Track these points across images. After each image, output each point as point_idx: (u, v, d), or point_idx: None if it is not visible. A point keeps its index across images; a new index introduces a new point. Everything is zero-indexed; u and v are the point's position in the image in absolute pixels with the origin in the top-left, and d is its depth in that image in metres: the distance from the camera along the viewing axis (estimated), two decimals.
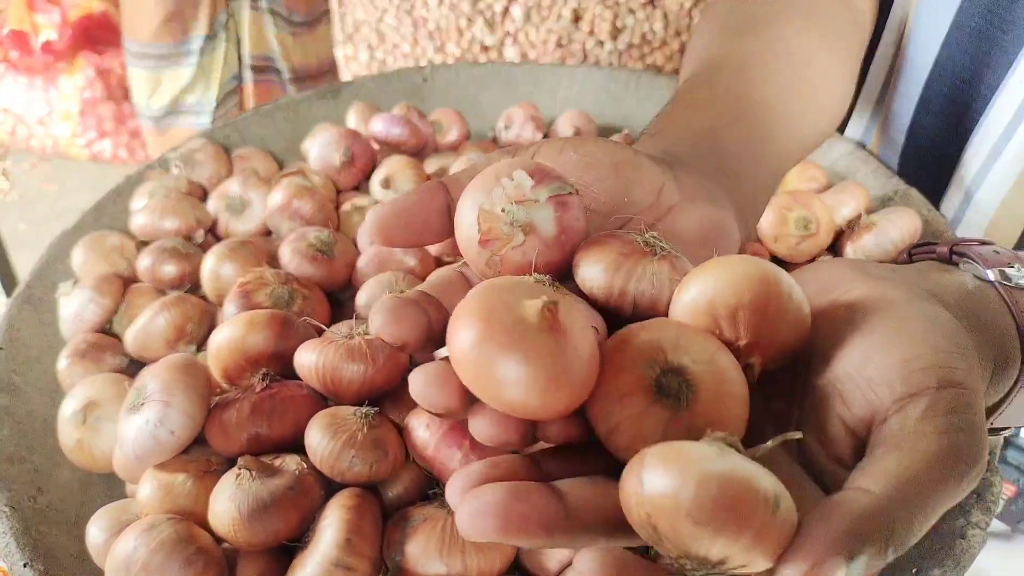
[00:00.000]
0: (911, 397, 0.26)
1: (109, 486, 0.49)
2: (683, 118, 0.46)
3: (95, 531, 0.44)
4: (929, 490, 0.24)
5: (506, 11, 3.69)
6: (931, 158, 0.65)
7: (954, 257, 0.38)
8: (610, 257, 0.31)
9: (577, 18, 3.82)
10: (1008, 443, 0.68)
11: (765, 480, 0.22)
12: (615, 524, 0.25)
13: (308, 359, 0.44)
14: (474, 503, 0.24)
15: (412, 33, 3.27)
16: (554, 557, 0.40)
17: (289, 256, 0.56)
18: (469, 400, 0.27)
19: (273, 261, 0.58)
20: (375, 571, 0.39)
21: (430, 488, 0.42)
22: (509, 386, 0.25)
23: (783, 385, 0.31)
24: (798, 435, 0.25)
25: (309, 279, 0.55)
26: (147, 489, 0.42)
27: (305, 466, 0.41)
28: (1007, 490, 0.66)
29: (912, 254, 0.44)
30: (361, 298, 0.53)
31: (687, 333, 0.27)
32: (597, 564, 0.25)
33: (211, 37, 1.15)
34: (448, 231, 0.34)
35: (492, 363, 0.25)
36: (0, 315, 0.57)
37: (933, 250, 0.40)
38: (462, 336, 0.25)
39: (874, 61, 0.68)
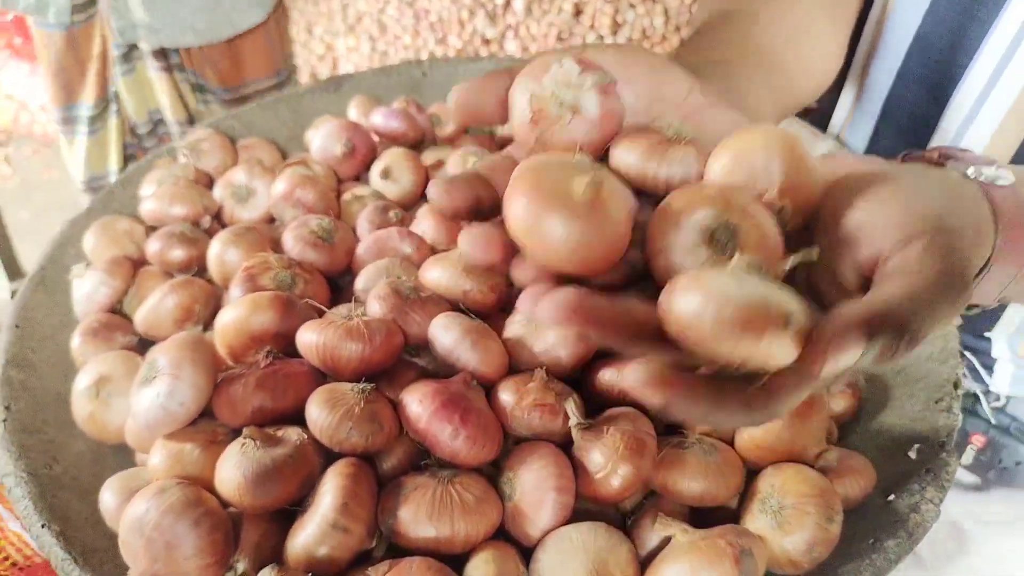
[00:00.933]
0: (910, 239, 0.32)
1: (120, 457, 0.52)
2: (703, 50, 0.55)
3: (108, 496, 0.47)
4: (934, 298, 0.30)
5: (507, 4, 3.70)
6: (908, 127, 0.69)
7: (940, 159, 0.43)
8: (643, 145, 0.36)
9: (578, 12, 3.83)
10: (977, 398, 0.71)
11: (777, 297, 0.28)
12: (657, 335, 0.30)
13: (309, 338, 0.47)
14: (554, 296, 0.30)
15: (413, 25, 3.29)
16: (537, 525, 0.43)
17: (292, 242, 0.59)
18: (509, 255, 0.34)
19: (276, 247, 0.61)
20: (369, 534, 0.42)
21: (421, 460, 0.45)
22: (555, 244, 0.32)
23: (801, 242, 0.36)
24: (814, 254, 0.32)
25: (311, 264, 0.58)
26: (157, 457, 0.45)
27: (306, 437, 0.44)
28: (977, 441, 0.70)
29: (904, 158, 0.48)
30: (359, 283, 0.56)
31: (728, 188, 0.34)
32: (642, 373, 0.29)
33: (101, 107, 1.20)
34: (505, 115, 0.40)
35: (542, 224, 0.31)
36: (16, 296, 0.60)
37: (923, 155, 0.45)
38: (518, 202, 0.32)
39: (861, 37, 0.71)
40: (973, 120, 0.63)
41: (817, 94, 0.65)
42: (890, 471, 0.48)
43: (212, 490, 0.43)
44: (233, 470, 0.42)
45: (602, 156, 0.38)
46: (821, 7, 0.64)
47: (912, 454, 0.48)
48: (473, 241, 0.35)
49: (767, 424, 0.45)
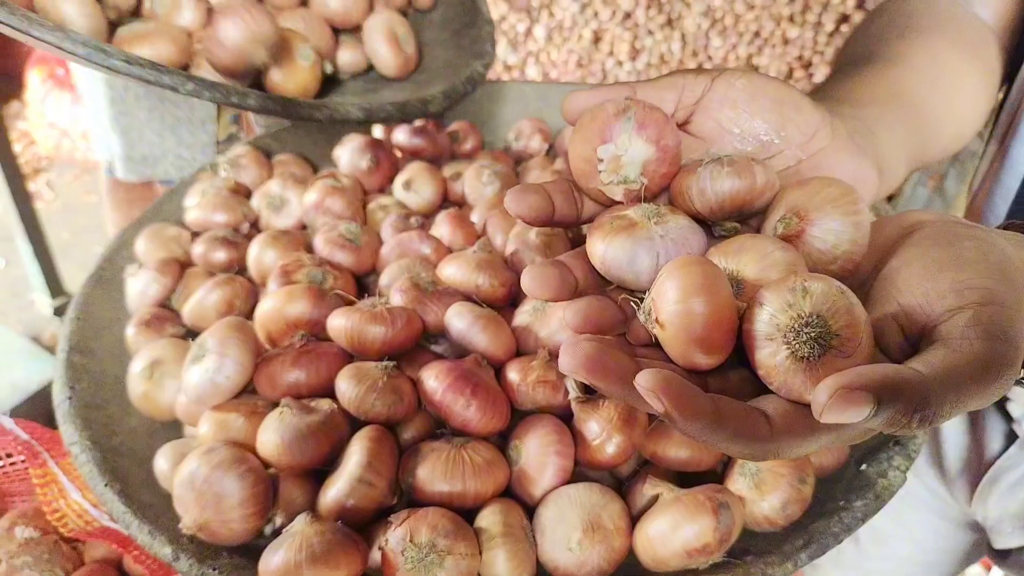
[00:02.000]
0: (959, 309, 0.31)
1: (169, 432, 0.58)
2: (843, 86, 0.53)
3: (161, 461, 0.53)
4: (965, 381, 0.28)
5: (529, 32, 3.84)
6: None
7: None
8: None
9: (597, 39, 3.94)
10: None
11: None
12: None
13: (339, 322, 0.53)
14: (574, 348, 0.32)
15: None
16: (539, 485, 0.49)
17: (322, 244, 0.65)
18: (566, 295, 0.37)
19: (308, 250, 0.67)
20: (391, 491, 0.47)
21: (438, 430, 0.51)
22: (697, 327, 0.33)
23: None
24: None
25: (339, 265, 0.64)
26: (205, 426, 0.51)
27: (336, 407, 0.50)
28: None
29: (1007, 226, 0.46)
30: (383, 279, 0.62)
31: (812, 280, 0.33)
32: (651, 378, 0.29)
33: None
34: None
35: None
36: (77, 293, 0.67)
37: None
38: (674, 294, 0.33)
39: (1007, 103, 0.67)
40: None
41: (958, 147, 0.60)
42: (866, 445, 0.53)
43: (254, 455, 0.49)
44: (272, 434, 0.48)
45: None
46: (972, 58, 0.60)
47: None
48: (533, 280, 0.37)
49: None
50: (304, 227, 0.74)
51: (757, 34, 2.87)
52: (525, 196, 0.40)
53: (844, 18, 2.53)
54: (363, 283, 0.67)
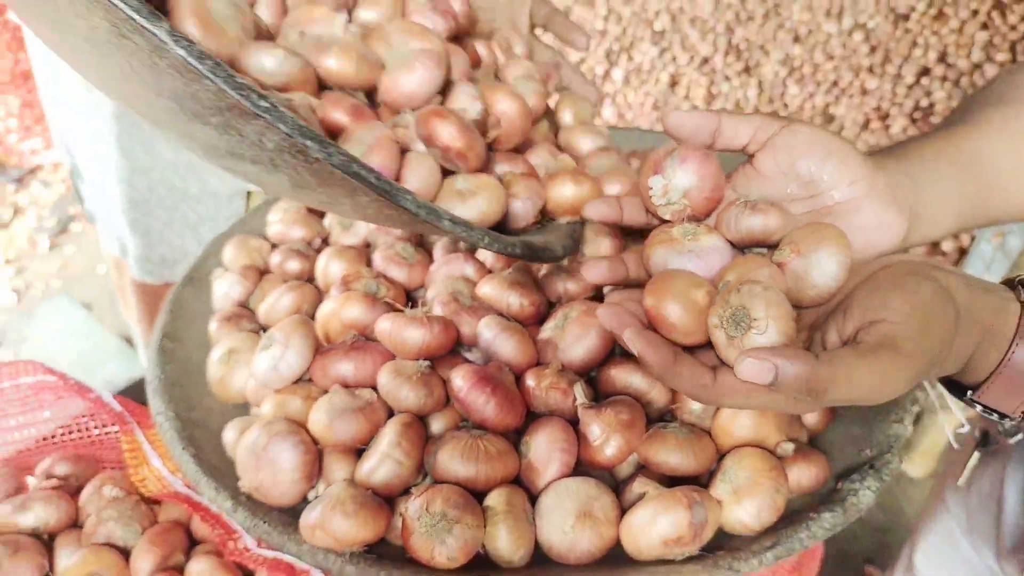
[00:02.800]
0: (874, 323, 0.42)
1: (238, 413, 0.68)
2: (919, 142, 0.57)
3: (229, 433, 0.63)
4: (856, 375, 0.39)
5: (607, 73, 3.95)
6: None
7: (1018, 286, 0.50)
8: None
9: (674, 83, 4.01)
10: None
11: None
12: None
13: (383, 326, 0.62)
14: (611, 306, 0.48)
15: None
16: (544, 477, 0.56)
17: (379, 260, 0.75)
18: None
19: (368, 265, 0.77)
20: (417, 470, 0.56)
21: (461, 423, 0.59)
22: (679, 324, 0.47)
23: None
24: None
25: (393, 279, 0.73)
26: (267, 406, 0.61)
27: (376, 396, 0.59)
28: None
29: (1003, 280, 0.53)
30: (429, 293, 0.71)
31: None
32: (635, 334, 0.45)
33: None
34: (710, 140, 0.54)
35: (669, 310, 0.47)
36: (170, 291, 0.78)
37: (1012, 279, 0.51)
38: (657, 300, 0.47)
39: None
40: None
41: (1017, 215, 0.61)
42: (849, 466, 0.58)
43: (306, 432, 0.58)
44: (321, 415, 0.57)
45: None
46: None
47: (869, 451, 0.58)
48: (591, 268, 0.53)
49: (738, 417, 0.57)
50: (367, 245, 0.84)
51: (835, 84, 2.88)
52: (601, 204, 0.55)
53: (925, 71, 2.53)
54: (413, 296, 0.76)
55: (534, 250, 0.59)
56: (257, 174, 0.50)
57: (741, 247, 0.52)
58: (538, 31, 0.86)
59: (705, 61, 3.37)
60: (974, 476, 0.83)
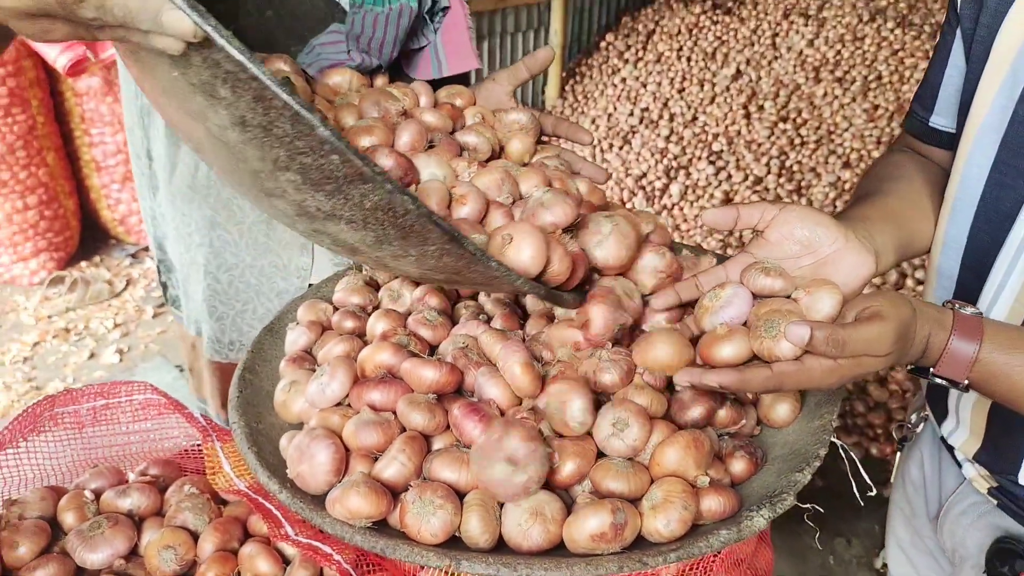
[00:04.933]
0: (869, 309, 0.72)
1: (293, 430, 0.88)
2: (858, 209, 0.92)
3: (284, 440, 0.83)
4: (867, 337, 0.69)
5: (666, 188, 4.21)
6: (975, 264, 0.95)
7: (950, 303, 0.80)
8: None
9: (728, 199, 4.24)
10: None
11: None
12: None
13: (406, 365, 0.81)
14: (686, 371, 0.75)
15: None
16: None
17: (412, 322, 0.95)
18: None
19: (403, 326, 0.97)
20: (417, 472, 0.74)
21: (455, 443, 0.77)
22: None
23: None
24: None
25: (421, 336, 0.93)
26: (313, 421, 0.81)
27: (394, 418, 0.78)
28: None
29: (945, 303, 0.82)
30: (443, 346, 0.90)
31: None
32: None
33: None
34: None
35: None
36: (254, 336, 1.01)
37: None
38: (709, 349, 0.74)
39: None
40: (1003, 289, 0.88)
41: (926, 248, 0.97)
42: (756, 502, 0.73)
43: (340, 439, 0.78)
44: (351, 426, 0.77)
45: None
46: (933, 191, 0.97)
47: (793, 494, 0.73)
48: (658, 299, 0.84)
49: (664, 450, 0.73)
50: (408, 313, 1.05)
51: None
52: (669, 296, 0.85)
53: None
54: (436, 350, 0.96)
55: (552, 295, 0.78)
56: (346, 232, 0.66)
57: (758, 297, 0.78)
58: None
59: (759, 180, 3.58)
60: (902, 470, 1.12)
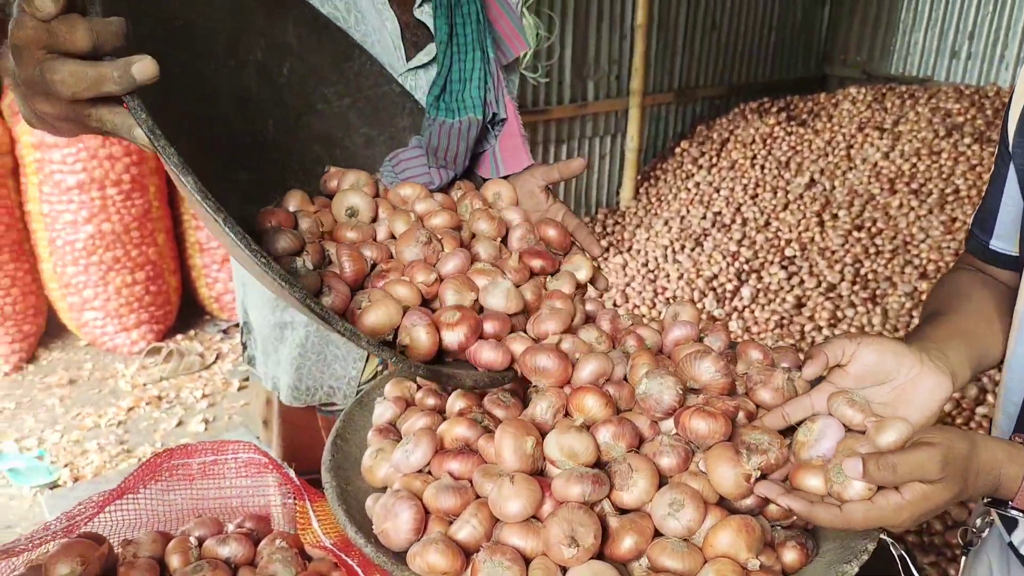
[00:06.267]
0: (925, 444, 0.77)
1: (378, 492, 0.97)
2: (929, 330, 0.97)
3: (370, 502, 0.92)
4: (919, 461, 0.75)
5: (737, 291, 4.28)
6: None
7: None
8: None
9: (800, 304, 4.26)
10: None
11: None
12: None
13: (482, 442, 0.90)
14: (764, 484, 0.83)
15: (652, 298, 3.95)
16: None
17: (487, 401, 1.04)
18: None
19: (479, 405, 1.06)
20: (487, 536, 0.82)
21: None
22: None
23: None
24: None
25: (494, 415, 1.02)
26: (397, 484, 0.90)
27: (470, 485, 0.86)
28: None
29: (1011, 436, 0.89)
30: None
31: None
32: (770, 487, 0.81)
33: None
34: None
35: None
36: (344, 408, 1.12)
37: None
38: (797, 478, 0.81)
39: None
40: None
41: (998, 361, 1.02)
42: None
43: (421, 502, 0.86)
44: (431, 490, 0.85)
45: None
46: (999, 307, 1.03)
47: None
48: (764, 490, 0.84)
49: (717, 532, 0.79)
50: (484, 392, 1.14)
51: None
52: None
53: None
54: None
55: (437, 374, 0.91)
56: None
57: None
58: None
59: (832, 287, 3.59)
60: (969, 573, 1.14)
